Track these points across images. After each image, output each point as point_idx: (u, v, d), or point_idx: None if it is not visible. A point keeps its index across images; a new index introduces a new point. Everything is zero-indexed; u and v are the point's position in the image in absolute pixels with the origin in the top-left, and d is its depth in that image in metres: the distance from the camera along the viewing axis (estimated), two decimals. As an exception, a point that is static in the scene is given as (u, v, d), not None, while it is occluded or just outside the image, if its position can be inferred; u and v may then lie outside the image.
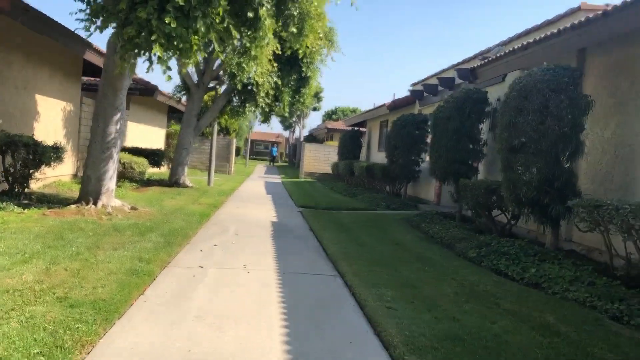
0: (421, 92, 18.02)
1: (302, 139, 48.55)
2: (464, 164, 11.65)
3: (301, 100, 16.78)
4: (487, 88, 12.25)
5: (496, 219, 9.77)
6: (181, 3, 7.16)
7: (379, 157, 23.55)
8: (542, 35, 8.46)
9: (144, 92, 18.64)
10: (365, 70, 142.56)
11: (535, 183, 7.42)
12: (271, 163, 54.83)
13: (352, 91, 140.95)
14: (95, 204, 9.10)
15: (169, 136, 26.79)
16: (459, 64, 14.42)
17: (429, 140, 16.51)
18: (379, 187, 19.28)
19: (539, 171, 7.38)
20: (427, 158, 16.73)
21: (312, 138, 45.08)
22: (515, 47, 9.72)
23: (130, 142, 19.30)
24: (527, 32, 11.13)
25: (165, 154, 18.59)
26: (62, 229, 7.37)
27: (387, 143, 16.90)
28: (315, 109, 53.69)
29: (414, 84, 19.03)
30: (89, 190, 9.20)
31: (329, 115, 66.94)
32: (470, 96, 11.67)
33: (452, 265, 7.34)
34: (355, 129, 27.86)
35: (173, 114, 27.98)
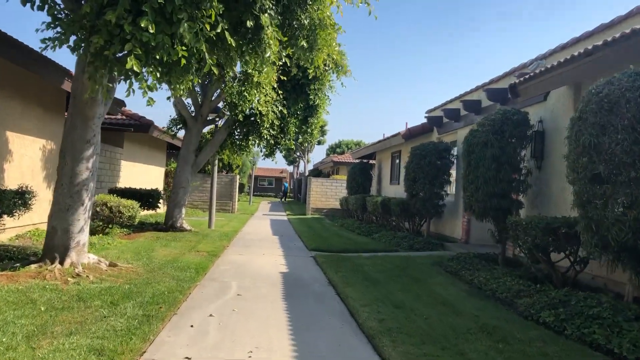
0: (439, 118, 16.37)
1: (306, 173, 46.92)
2: (506, 198, 9.87)
3: (309, 130, 15.12)
4: (525, 109, 10.55)
5: (556, 263, 7.96)
6: (160, 1, 5.51)
7: (391, 190, 21.80)
8: (616, 35, 6.77)
9: (139, 128, 17.02)
10: (369, 104, 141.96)
11: (631, 222, 5.61)
12: (283, 199, 51.90)
13: (355, 125, 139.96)
14: (61, 262, 7.29)
15: (168, 175, 25.13)
16: (486, 84, 12.79)
17: (452, 171, 14.80)
18: (396, 223, 17.47)
19: (635, 206, 5.59)
20: (452, 191, 14.96)
21: (318, 172, 43.43)
22: (568, 55, 8.07)
23: (124, 183, 17.60)
24: (576, 41, 9.49)
25: (161, 195, 16.86)
26: (6, 302, 5.56)
27: (406, 175, 15.16)
28: (319, 142, 52.27)
29: (430, 111, 17.40)
30: (55, 245, 7.39)
31: (333, 149, 65.50)
32: (509, 118, 9.98)
33: (529, 337, 5.47)
34: (365, 161, 26.17)
35: (172, 150, 26.42)
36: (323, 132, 46.91)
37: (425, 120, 17.92)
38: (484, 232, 14.04)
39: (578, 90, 9.36)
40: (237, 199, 30.11)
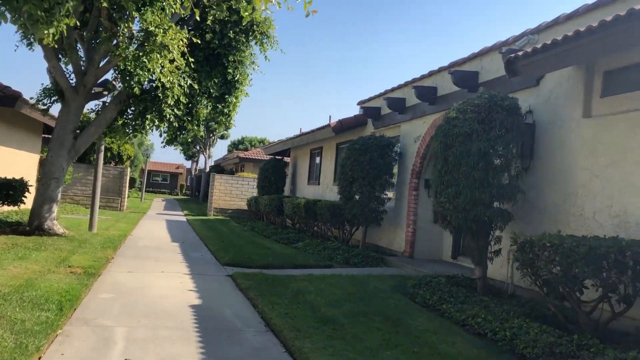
0: (377, 109, 14.02)
1: (207, 169, 43.26)
2: (491, 207, 7.60)
3: (226, 111, 12.09)
4: (511, 95, 8.37)
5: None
6: None
7: (309, 191, 19.28)
8: None
9: (2, 100, 13.12)
10: (273, 100, 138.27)
11: None
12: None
13: (260, 121, 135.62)
14: None
15: (43, 164, 20.89)
16: (452, 65, 10.55)
17: (395, 170, 12.50)
18: (321, 230, 14.93)
19: None
20: (392, 195, 12.65)
21: (220, 169, 39.98)
22: (575, 28, 5.93)
23: (-25, 170, 13.59)
24: (586, 10, 7.40)
25: (27, 186, 13.10)
26: None
27: (341, 174, 12.63)
28: (223, 136, 48.71)
29: (364, 101, 15.02)
30: None
31: (236, 145, 61.99)
32: (498, 103, 7.74)
33: None
34: (278, 158, 23.43)
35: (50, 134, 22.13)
36: (228, 127, 43.50)
37: (356, 113, 15.55)
38: (432, 244, 11.86)
39: (591, 73, 7.27)
40: (127, 195, 26.19)
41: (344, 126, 14.80)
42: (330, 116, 30.83)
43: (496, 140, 7.51)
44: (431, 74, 11.56)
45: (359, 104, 15.52)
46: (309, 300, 6.84)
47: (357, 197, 12.24)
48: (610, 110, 6.87)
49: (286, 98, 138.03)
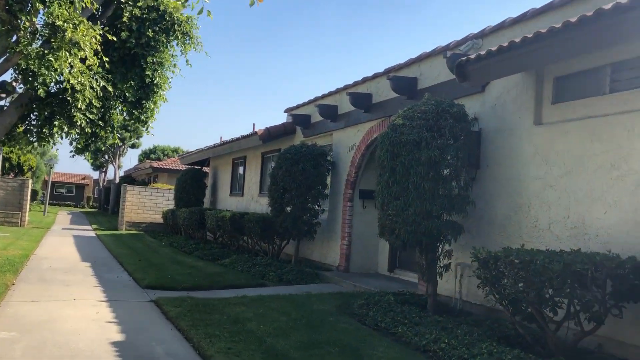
0: (307, 117, 13.43)
1: (117, 180, 40.84)
2: (440, 218, 7.17)
3: (143, 118, 10.97)
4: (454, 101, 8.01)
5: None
6: None
7: (232, 203, 18.37)
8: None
9: None
10: (188, 107, 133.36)
11: None
12: None
13: (172, 130, 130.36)
14: None
15: None
16: (388, 71, 10.11)
17: (328, 181, 11.94)
18: (247, 244, 14.09)
19: None
20: (327, 207, 12.06)
21: (131, 180, 37.77)
22: (523, 33, 5.64)
23: None
24: (536, 14, 7.16)
25: None
26: None
27: (272, 185, 11.85)
28: (134, 145, 46.30)
29: (292, 109, 14.37)
30: None
31: (147, 155, 59.31)
32: (446, 110, 7.34)
33: None
34: (197, 167, 22.23)
35: None
36: (139, 134, 41.26)
37: (284, 121, 14.89)
38: (367, 257, 11.37)
39: (540, 78, 7.02)
40: (28, 209, 23.96)
41: (271, 134, 14.06)
42: (254, 124, 29.87)
43: (445, 148, 7.08)
44: (365, 80, 11.11)
45: (286, 111, 14.86)
46: (251, 330, 6.04)
47: (289, 209, 11.54)
48: (563, 117, 6.62)
49: (203, 106, 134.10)
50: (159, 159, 46.55)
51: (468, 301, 7.75)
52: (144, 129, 11.21)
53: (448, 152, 7.08)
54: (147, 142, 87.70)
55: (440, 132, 7.15)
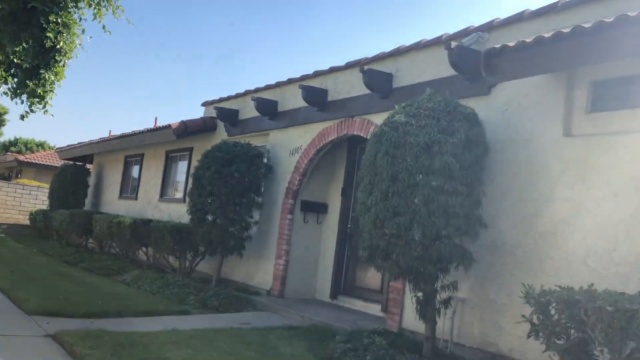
0: (234, 112, 11.54)
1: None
2: (449, 240, 5.77)
3: (39, 92, 8.47)
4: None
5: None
6: None
7: (121, 206, 15.84)
8: None
9: None
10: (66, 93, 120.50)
11: None
12: None
13: (39, 122, 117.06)
14: None
15: None
16: (353, 64, 8.62)
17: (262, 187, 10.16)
18: (149, 257, 11.80)
19: None
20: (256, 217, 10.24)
21: (-13, 174, 32.73)
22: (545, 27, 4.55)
23: None
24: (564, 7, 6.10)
25: None
26: None
27: (195, 189, 9.77)
28: (-7, 135, 40.56)
29: (214, 102, 12.34)
30: None
31: (6, 147, 52.66)
32: (458, 110, 6.02)
33: None
34: (79, 164, 19.14)
35: None
36: (1, 122, 35.91)
37: (205, 115, 12.85)
38: (304, 281, 9.71)
39: (571, 83, 5.93)
40: None
41: (188, 129, 11.93)
42: (156, 118, 26.93)
43: (462, 155, 5.73)
44: (318, 74, 9.54)
45: (205, 104, 12.83)
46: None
47: (216, 218, 9.56)
48: (605, 129, 5.53)
49: (85, 94, 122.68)
50: (20, 152, 41.27)
51: (459, 343, 6.41)
52: (40, 106, 8.68)
53: (465, 160, 5.72)
54: (8, 132, 77.41)
55: (455, 136, 5.79)
